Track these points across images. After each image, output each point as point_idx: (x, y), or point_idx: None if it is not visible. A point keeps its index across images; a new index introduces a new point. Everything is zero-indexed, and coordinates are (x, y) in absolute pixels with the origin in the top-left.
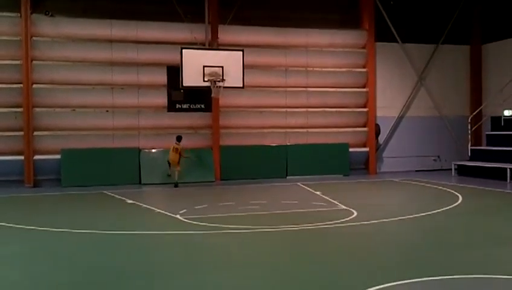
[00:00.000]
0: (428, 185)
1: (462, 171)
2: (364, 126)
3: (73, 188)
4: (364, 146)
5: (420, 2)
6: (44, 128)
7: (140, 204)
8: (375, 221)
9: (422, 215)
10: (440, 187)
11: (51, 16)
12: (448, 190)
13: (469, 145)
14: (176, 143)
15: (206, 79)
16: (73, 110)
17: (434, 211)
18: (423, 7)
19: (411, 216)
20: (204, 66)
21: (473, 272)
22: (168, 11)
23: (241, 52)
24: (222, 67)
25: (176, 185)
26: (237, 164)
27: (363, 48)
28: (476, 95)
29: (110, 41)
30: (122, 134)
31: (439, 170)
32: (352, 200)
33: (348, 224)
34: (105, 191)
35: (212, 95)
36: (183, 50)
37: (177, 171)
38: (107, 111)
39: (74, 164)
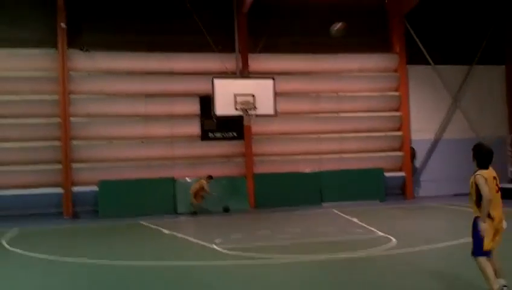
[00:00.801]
0: (468, 209)
1: (504, 194)
2: (399, 150)
3: (111, 219)
4: (400, 170)
5: (451, 23)
6: (81, 160)
7: (176, 234)
8: (414, 248)
9: (463, 242)
10: None
11: (87, 50)
12: None
13: (509, 167)
14: (205, 179)
15: (237, 107)
16: (110, 141)
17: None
18: (454, 28)
19: (451, 243)
20: (235, 95)
21: None
22: (199, 42)
23: (271, 80)
24: (253, 95)
25: (195, 213)
26: (271, 191)
27: (395, 71)
28: None
29: (144, 73)
30: (157, 164)
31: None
32: (389, 227)
33: (387, 252)
34: (141, 222)
35: (244, 123)
36: (215, 80)
37: (194, 203)
38: (142, 142)
39: (111, 194)
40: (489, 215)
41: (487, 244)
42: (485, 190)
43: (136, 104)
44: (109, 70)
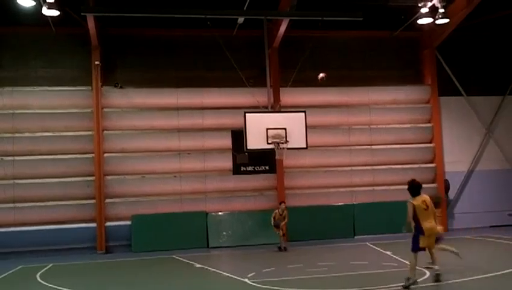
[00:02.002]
0: (505, 241)
1: None
2: (433, 182)
3: (144, 253)
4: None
5: (483, 54)
6: (115, 195)
7: (209, 268)
8: (450, 281)
9: (500, 275)
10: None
11: (120, 87)
12: None
13: None
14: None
15: (269, 141)
16: (143, 176)
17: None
18: (486, 59)
19: (487, 275)
20: (267, 129)
21: None
22: (231, 77)
23: (303, 114)
24: (285, 129)
25: (280, 248)
26: (304, 225)
27: (427, 102)
28: None
29: (177, 108)
30: (189, 198)
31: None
32: (423, 260)
33: (422, 285)
34: (174, 256)
35: (276, 157)
36: (247, 114)
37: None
38: (175, 176)
39: (144, 229)
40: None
41: (422, 244)
42: (408, 212)
43: (168, 139)
44: (142, 106)
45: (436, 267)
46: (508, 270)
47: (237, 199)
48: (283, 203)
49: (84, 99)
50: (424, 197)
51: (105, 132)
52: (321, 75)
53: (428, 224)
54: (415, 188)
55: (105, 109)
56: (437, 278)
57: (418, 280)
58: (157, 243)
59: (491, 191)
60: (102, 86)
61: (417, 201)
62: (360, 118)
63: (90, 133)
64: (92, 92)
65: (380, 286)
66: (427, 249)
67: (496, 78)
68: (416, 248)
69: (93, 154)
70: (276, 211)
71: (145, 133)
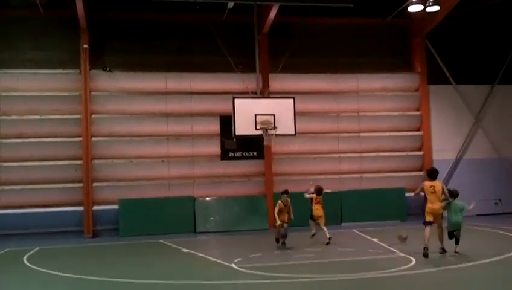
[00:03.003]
0: (489, 230)
1: None
2: (420, 170)
3: (131, 238)
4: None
5: (473, 42)
6: (102, 179)
7: (196, 253)
8: (435, 269)
9: (483, 263)
10: (501, 232)
11: (109, 71)
12: (511, 234)
13: None
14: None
15: (258, 127)
16: (131, 161)
17: (495, 258)
18: (476, 48)
19: (471, 263)
20: (256, 115)
21: None
22: (220, 63)
23: (292, 100)
24: (274, 115)
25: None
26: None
27: (416, 91)
28: None
29: (165, 93)
30: (177, 183)
31: (501, 214)
32: (411, 247)
33: (407, 272)
34: (161, 240)
35: (265, 142)
36: (235, 99)
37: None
38: (163, 161)
39: (132, 213)
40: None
41: (428, 219)
42: (417, 189)
43: (157, 124)
44: (131, 90)
45: (441, 245)
46: (492, 259)
47: (225, 185)
48: (285, 194)
49: (72, 82)
50: (435, 183)
51: (93, 115)
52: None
53: (430, 205)
54: (429, 173)
55: (93, 93)
56: (425, 252)
57: (405, 267)
58: (145, 228)
59: (478, 180)
60: (91, 70)
61: (427, 184)
62: (349, 105)
63: (78, 116)
64: (80, 76)
65: (367, 272)
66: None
67: (485, 67)
68: (424, 222)
69: (81, 138)
70: (279, 201)
71: (133, 118)
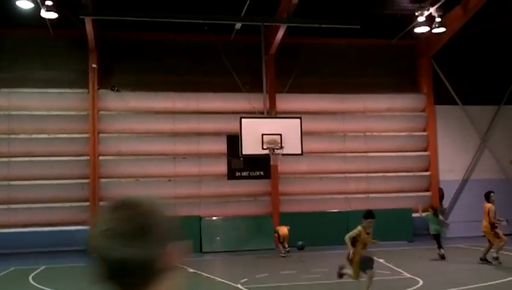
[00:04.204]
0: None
1: None
2: (427, 190)
3: None
4: (428, 211)
5: (479, 63)
6: (109, 198)
7: (202, 273)
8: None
9: (496, 283)
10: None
11: (117, 90)
12: None
13: None
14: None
15: (264, 147)
16: (137, 180)
17: (505, 280)
18: (482, 68)
19: (478, 285)
20: (262, 134)
21: None
22: (227, 83)
23: (299, 120)
24: (280, 135)
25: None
26: (298, 231)
27: (423, 111)
28: None
29: (173, 112)
30: (183, 202)
31: (510, 234)
32: (417, 268)
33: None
34: None
35: (271, 162)
36: (242, 119)
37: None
38: (170, 180)
39: None
40: None
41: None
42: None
43: (164, 143)
44: (138, 109)
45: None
46: (494, 282)
47: (231, 204)
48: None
49: (81, 101)
50: (488, 205)
51: (100, 134)
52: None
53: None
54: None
55: (101, 112)
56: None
57: (411, 288)
58: None
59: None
60: (99, 89)
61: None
62: (356, 126)
63: (85, 135)
64: (88, 95)
65: None
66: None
67: (492, 87)
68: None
69: (88, 157)
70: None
71: (140, 137)
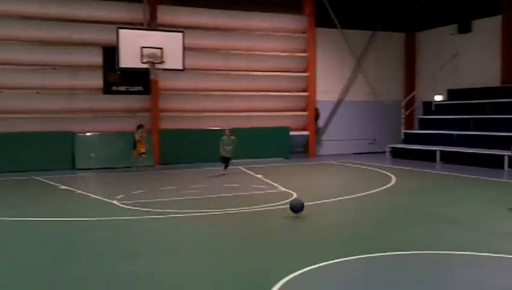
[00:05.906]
0: (365, 167)
1: (396, 153)
2: (305, 110)
3: (2, 174)
4: (304, 130)
5: None
6: None
7: (74, 190)
8: (314, 202)
9: (359, 196)
10: (375, 169)
11: None
12: (383, 171)
13: (402, 129)
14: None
15: (144, 60)
16: (1, 91)
17: (370, 192)
18: None
19: (348, 197)
20: (142, 47)
21: (406, 249)
22: None
23: (181, 34)
24: (161, 48)
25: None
26: (177, 148)
27: (304, 32)
28: (410, 81)
29: (43, 18)
30: (55, 117)
31: (375, 152)
32: (292, 183)
33: (288, 206)
34: (36, 177)
35: (151, 77)
36: (120, 30)
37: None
38: (38, 92)
39: (2, 148)
40: None
41: None
42: None
43: (32, 52)
44: (4, 13)
45: None
46: (358, 195)
47: (108, 120)
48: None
49: None
50: None
51: None
52: None
53: None
54: None
55: None
56: None
57: (285, 201)
58: (18, 164)
59: (357, 121)
60: None
61: None
62: (239, 43)
63: None
64: None
65: (249, 206)
66: None
67: (369, 13)
68: None
69: None
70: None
71: (6, 44)
